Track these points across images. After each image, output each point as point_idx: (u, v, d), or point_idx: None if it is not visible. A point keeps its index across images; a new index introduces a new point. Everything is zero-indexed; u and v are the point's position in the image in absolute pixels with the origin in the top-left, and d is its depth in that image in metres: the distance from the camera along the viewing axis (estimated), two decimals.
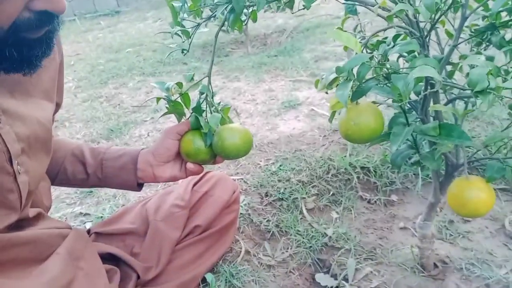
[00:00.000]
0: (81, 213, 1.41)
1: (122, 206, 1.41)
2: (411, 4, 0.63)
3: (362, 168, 1.41)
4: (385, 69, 0.69)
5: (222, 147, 0.78)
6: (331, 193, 1.35)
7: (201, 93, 0.87)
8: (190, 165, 0.84)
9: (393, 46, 0.74)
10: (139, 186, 0.91)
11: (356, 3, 0.81)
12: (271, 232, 1.22)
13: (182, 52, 0.96)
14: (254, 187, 1.39)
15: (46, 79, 0.74)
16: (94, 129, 2.14)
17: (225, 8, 0.82)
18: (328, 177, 1.40)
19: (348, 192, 1.35)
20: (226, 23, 0.86)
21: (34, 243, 0.68)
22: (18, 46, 0.52)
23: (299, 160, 1.50)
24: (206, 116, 0.83)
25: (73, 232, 0.80)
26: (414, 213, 1.26)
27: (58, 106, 0.83)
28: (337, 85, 0.68)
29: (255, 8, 0.80)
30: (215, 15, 0.89)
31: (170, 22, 0.93)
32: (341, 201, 1.32)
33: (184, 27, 0.93)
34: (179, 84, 0.89)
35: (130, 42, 4.28)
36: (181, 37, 0.96)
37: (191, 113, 0.85)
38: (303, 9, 0.84)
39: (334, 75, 0.69)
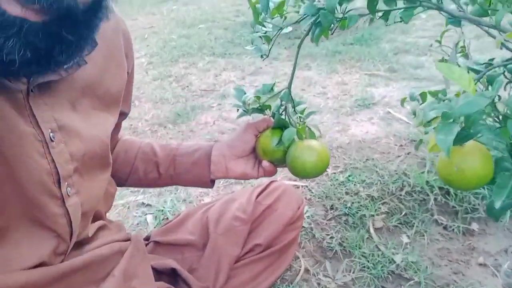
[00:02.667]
0: (143, 203, 1.42)
1: (183, 200, 1.41)
2: None
3: (440, 188, 1.28)
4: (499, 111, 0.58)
5: (294, 162, 0.75)
6: (403, 213, 1.24)
7: (281, 103, 0.83)
8: (265, 163, 0.81)
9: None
10: (211, 182, 0.88)
11: (465, 19, 0.69)
12: (334, 250, 1.14)
13: (262, 57, 0.92)
14: (319, 198, 1.31)
15: (113, 91, 0.69)
16: (162, 111, 2.15)
17: (312, 21, 0.75)
18: (401, 195, 1.29)
19: (423, 214, 1.23)
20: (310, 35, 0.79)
21: (90, 266, 0.65)
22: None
23: (371, 171, 1.39)
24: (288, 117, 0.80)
25: (131, 248, 0.78)
26: (497, 248, 1.12)
27: (125, 115, 0.80)
28: (437, 124, 0.58)
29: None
30: (299, 21, 0.82)
31: (251, 21, 0.89)
32: (414, 223, 1.21)
33: (265, 27, 0.89)
34: (257, 98, 0.84)
35: (203, 18, 4.26)
36: (261, 39, 0.91)
37: (271, 115, 0.83)
38: (400, 21, 0.74)
39: (434, 112, 0.58)
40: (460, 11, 0.67)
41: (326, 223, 1.22)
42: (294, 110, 0.86)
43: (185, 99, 2.29)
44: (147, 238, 0.97)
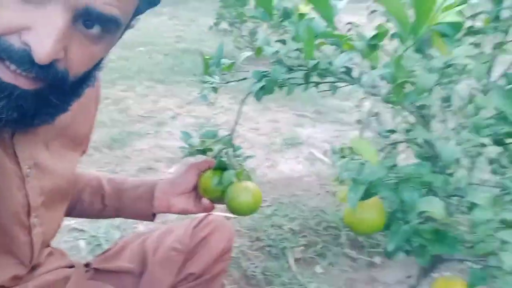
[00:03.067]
0: (75, 228, 1.45)
1: (117, 227, 1.46)
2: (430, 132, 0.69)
3: None
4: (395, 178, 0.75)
5: (232, 202, 0.83)
6: (319, 246, 1.41)
7: (223, 148, 0.93)
8: (205, 201, 0.89)
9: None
10: (153, 216, 0.94)
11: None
12: (257, 279, 1.26)
13: (207, 104, 1.02)
14: (247, 230, 1.44)
15: (81, 134, 0.77)
16: (98, 134, 2.17)
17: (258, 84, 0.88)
18: (318, 229, 1.46)
19: (335, 247, 1.41)
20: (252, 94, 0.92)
21: None
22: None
23: (294, 206, 1.56)
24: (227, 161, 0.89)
25: (75, 274, 0.84)
26: (394, 279, 1.32)
27: (84, 152, 0.86)
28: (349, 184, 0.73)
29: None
30: (245, 78, 0.94)
31: (200, 73, 0.98)
32: (327, 255, 1.38)
33: (213, 77, 0.98)
34: (203, 142, 0.94)
35: (143, 40, 4.31)
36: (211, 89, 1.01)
37: (213, 157, 0.90)
38: (329, 90, 0.90)
39: (347, 174, 0.74)
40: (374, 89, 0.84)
41: (252, 253, 1.35)
42: (234, 155, 0.98)
43: (122, 124, 2.33)
44: (86, 265, 1.02)
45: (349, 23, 0.92)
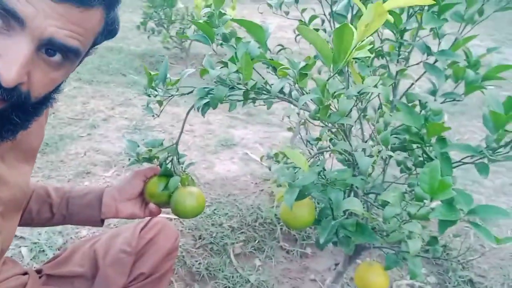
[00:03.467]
0: (16, 235, 1.43)
1: (59, 233, 1.47)
2: (350, 144, 0.84)
3: None
4: (323, 181, 0.90)
5: (177, 206, 0.92)
6: (256, 241, 1.54)
7: (168, 155, 1.00)
8: (152, 206, 0.95)
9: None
10: (101, 222, 0.99)
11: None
12: (201, 274, 1.37)
13: (153, 117, 1.08)
14: (189, 229, 1.53)
15: (34, 146, 0.82)
16: None
17: (201, 98, 0.97)
18: (255, 226, 1.59)
19: (271, 241, 1.55)
20: (195, 107, 1.01)
21: None
22: None
23: (232, 205, 1.67)
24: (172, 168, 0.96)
25: (31, 281, 0.88)
26: (324, 267, 1.49)
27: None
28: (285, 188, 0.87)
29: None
30: (188, 93, 1.02)
31: (145, 85, 1.04)
32: (265, 249, 1.52)
33: (157, 92, 1.04)
34: (149, 150, 1.01)
35: None
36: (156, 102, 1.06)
37: (158, 165, 0.98)
38: (264, 105, 1.02)
39: (283, 179, 0.87)
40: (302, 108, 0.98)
41: (195, 251, 1.45)
42: (178, 162, 1.06)
43: (52, 127, 2.28)
44: (38, 271, 1.05)
45: (279, 45, 1.05)
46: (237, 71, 0.88)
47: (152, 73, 0.99)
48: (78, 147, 2.09)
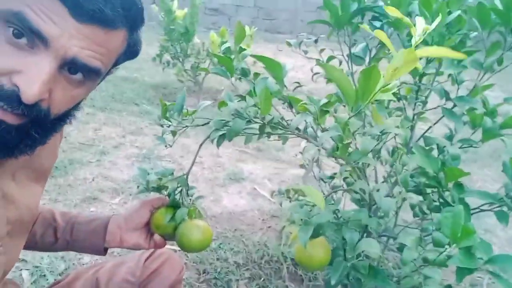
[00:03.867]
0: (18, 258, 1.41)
1: (62, 258, 1.44)
2: (368, 184, 0.84)
3: (292, 259, 1.59)
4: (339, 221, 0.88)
5: (182, 239, 0.88)
6: (262, 279, 1.50)
7: (178, 186, 0.99)
8: (157, 237, 0.93)
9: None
10: (104, 251, 0.97)
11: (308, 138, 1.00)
12: None
13: (166, 147, 1.08)
14: (194, 263, 1.50)
15: (46, 166, 0.81)
16: None
17: (217, 130, 0.97)
18: (261, 263, 1.56)
19: (277, 280, 1.51)
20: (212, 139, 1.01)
21: None
22: None
23: (238, 240, 1.65)
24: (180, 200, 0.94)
25: None
26: None
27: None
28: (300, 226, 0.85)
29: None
30: (204, 125, 1.03)
31: (158, 115, 1.05)
32: None
33: (170, 122, 1.04)
34: (159, 179, 1.00)
35: None
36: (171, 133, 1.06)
37: (167, 195, 0.95)
38: (279, 140, 1.02)
39: (297, 216, 0.86)
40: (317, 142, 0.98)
41: (199, 286, 1.41)
42: (187, 194, 1.04)
43: (62, 150, 2.29)
44: None
45: (296, 82, 1.07)
46: (254, 105, 0.89)
47: (167, 103, 0.99)
48: (86, 173, 2.10)
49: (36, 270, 1.36)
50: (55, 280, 1.27)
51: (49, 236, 0.94)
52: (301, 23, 7.88)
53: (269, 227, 1.78)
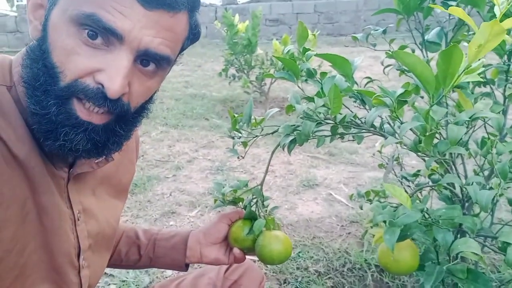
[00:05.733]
0: (105, 273, 1.47)
1: (146, 271, 1.48)
2: (459, 177, 0.75)
3: (376, 266, 1.49)
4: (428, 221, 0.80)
5: (262, 251, 0.84)
6: (345, 287, 1.43)
7: (253, 198, 0.97)
8: (236, 251, 0.89)
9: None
10: (186, 267, 0.97)
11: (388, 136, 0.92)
12: None
13: (238, 158, 1.05)
14: (274, 272, 1.46)
15: (124, 182, 0.83)
16: None
17: (287, 135, 0.94)
18: (343, 271, 1.48)
19: None
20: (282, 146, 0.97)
21: None
22: (83, 131, 0.54)
23: (318, 248, 1.59)
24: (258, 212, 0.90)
25: None
26: None
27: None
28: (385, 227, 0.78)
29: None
30: (273, 133, 0.99)
31: (228, 128, 1.01)
32: None
33: (241, 134, 1.01)
34: (234, 191, 0.98)
35: None
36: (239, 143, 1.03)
37: (243, 207, 0.92)
38: (353, 140, 0.96)
39: (381, 217, 0.79)
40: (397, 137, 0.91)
41: None
42: (263, 204, 1.00)
43: (140, 168, 2.39)
44: None
45: (367, 77, 0.99)
46: (324, 105, 0.83)
47: (236, 115, 0.97)
48: (164, 188, 2.16)
49: (123, 284, 1.41)
50: None
51: (133, 254, 0.96)
52: (364, 23, 7.65)
53: (348, 233, 1.70)
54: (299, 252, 1.57)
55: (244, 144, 1.00)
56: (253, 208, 0.92)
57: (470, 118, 0.71)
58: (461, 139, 0.75)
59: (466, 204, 0.90)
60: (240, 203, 0.95)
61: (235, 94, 4.19)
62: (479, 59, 0.61)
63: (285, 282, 1.43)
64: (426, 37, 0.98)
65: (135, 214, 1.90)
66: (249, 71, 3.95)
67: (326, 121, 0.83)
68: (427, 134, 0.71)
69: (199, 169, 2.43)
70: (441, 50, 0.99)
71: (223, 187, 0.98)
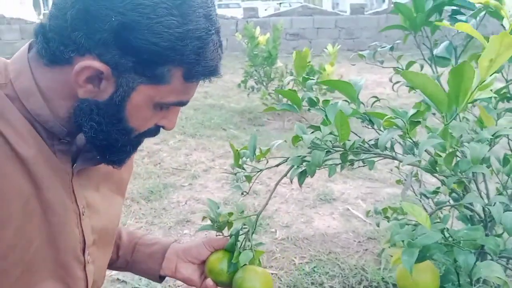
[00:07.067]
0: (118, 279, 1.46)
1: None
2: (481, 197, 0.71)
3: (394, 285, 1.44)
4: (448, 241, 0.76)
5: (241, 287, 0.78)
6: None
7: (243, 227, 0.85)
8: (209, 282, 0.84)
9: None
10: (160, 278, 0.94)
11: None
12: None
13: (242, 194, 0.92)
14: (287, 286, 1.43)
15: (125, 177, 0.83)
16: (135, 185, 2.24)
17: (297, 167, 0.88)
18: None
19: None
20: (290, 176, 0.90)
21: None
22: (135, 145, 0.65)
23: (333, 264, 1.55)
24: (240, 247, 0.83)
25: None
26: None
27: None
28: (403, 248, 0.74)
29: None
30: (278, 165, 0.93)
31: (231, 164, 0.91)
32: None
33: (244, 169, 0.91)
34: (230, 214, 0.91)
35: None
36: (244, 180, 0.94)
37: (228, 235, 0.86)
38: (364, 165, 0.91)
39: (398, 237, 0.75)
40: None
41: None
42: (251, 237, 0.85)
43: (157, 175, 2.39)
44: None
45: (374, 96, 0.96)
46: (331, 133, 0.80)
47: (238, 149, 0.88)
48: (180, 196, 2.15)
49: None
50: None
51: (112, 253, 0.94)
52: (385, 39, 7.61)
53: (366, 250, 1.66)
54: (314, 267, 1.53)
55: (248, 178, 0.90)
56: (241, 238, 0.85)
57: (493, 136, 0.68)
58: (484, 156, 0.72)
59: (488, 225, 0.86)
60: (226, 228, 0.87)
61: (253, 106, 4.19)
62: (491, 74, 0.59)
63: None
64: (434, 52, 0.95)
65: (150, 221, 1.90)
66: (268, 83, 3.95)
67: (335, 149, 0.79)
68: (448, 152, 0.68)
69: (215, 178, 2.42)
70: (451, 65, 0.97)
71: (218, 208, 0.90)
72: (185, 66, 0.58)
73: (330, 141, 0.77)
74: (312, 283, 1.45)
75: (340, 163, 0.83)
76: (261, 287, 0.77)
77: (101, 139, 0.62)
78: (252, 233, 0.84)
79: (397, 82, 1.02)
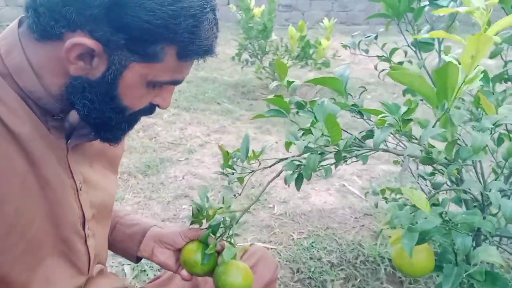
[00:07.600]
0: None
1: None
2: (481, 183, 0.73)
3: (390, 260, 1.49)
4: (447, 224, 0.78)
5: (223, 281, 0.78)
6: (358, 279, 1.43)
7: (228, 220, 0.85)
8: (184, 272, 0.87)
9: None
10: (137, 259, 0.94)
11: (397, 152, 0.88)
12: None
13: (234, 196, 0.89)
14: (287, 261, 1.46)
15: (118, 154, 0.84)
16: (131, 160, 2.23)
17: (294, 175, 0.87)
18: (356, 263, 1.48)
19: (374, 282, 1.43)
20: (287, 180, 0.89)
21: None
22: (130, 123, 0.66)
23: (331, 239, 1.58)
24: (220, 239, 0.83)
25: None
26: None
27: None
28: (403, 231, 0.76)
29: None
30: (270, 166, 0.91)
31: (221, 163, 0.88)
32: None
33: (234, 170, 0.88)
34: (218, 208, 0.86)
35: None
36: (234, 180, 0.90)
37: (207, 228, 0.85)
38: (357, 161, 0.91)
39: (397, 221, 0.77)
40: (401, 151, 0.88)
41: (293, 285, 1.37)
42: (230, 231, 0.85)
43: (153, 150, 2.39)
44: None
45: (362, 86, 0.96)
46: (322, 134, 0.80)
47: (228, 151, 0.86)
48: (177, 171, 2.16)
49: (137, 266, 1.42)
50: (154, 275, 1.31)
51: None
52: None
53: (362, 225, 1.70)
54: (313, 242, 1.57)
55: (240, 180, 0.88)
56: (220, 231, 0.84)
57: (493, 124, 0.69)
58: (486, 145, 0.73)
59: (485, 208, 0.88)
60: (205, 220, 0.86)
61: (246, 79, 4.15)
62: (475, 67, 0.60)
63: (298, 272, 1.43)
64: (417, 38, 0.96)
65: (148, 195, 1.90)
66: (263, 56, 3.91)
67: (328, 150, 0.79)
68: (449, 141, 0.69)
69: (211, 153, 2.42)
70: (435, 49, 0.98)
71: (208, 201, 0.87)
72: (178, 45, 0.57)
73: (324, 145, 0.77)
74: (311, 258, 1.49)
75: (334, 162, 0.83)
76: (243, 282, 0.77)
77: (95, 117, 0.61)
78: (234, 228, 0.84)
79: (383, 70, 1.02)
